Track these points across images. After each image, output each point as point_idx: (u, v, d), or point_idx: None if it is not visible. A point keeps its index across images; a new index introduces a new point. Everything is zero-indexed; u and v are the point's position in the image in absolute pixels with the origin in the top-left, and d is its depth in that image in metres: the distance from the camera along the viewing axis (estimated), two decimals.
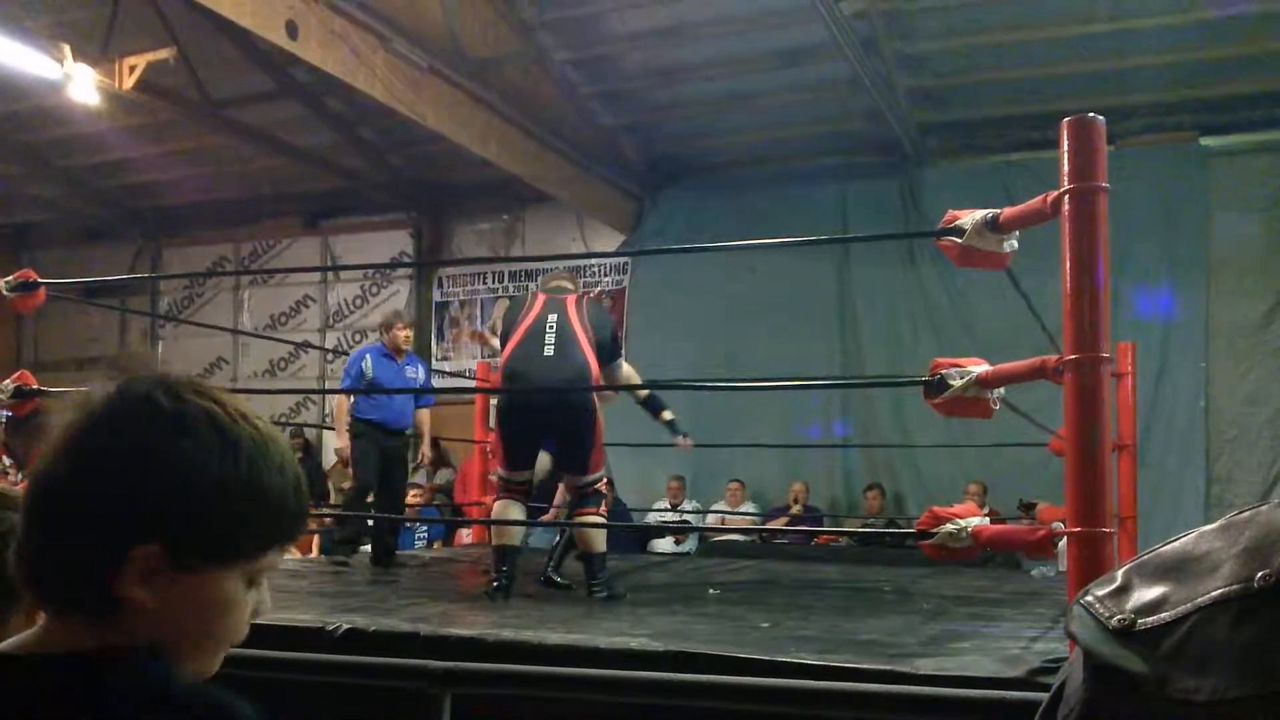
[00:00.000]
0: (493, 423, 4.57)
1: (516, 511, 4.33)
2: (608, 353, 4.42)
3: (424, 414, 6.09)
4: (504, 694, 2.28)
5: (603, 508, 4.47)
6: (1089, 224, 2.41)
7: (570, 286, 4.65)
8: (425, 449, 6.32)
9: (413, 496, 8.67)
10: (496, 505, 4.39)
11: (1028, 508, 7.49)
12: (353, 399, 5.78)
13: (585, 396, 4.26)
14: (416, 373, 6.02)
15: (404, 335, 5.88)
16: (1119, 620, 0.54)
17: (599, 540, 4.30)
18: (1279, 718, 0.47)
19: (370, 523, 5.75)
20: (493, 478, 4.94)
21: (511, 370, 4.35)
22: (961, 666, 2.34)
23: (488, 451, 6.63)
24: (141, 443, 0.82)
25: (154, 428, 0.83)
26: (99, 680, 0.80)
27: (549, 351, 4.27)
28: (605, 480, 4.54)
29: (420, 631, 2.75)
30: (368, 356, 5.79)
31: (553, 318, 4.36)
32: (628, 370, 4.66)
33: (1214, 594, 0.51)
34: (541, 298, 4.49)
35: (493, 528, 4.47)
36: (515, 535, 4.35)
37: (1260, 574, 0.50)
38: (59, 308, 10.46)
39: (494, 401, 5.08)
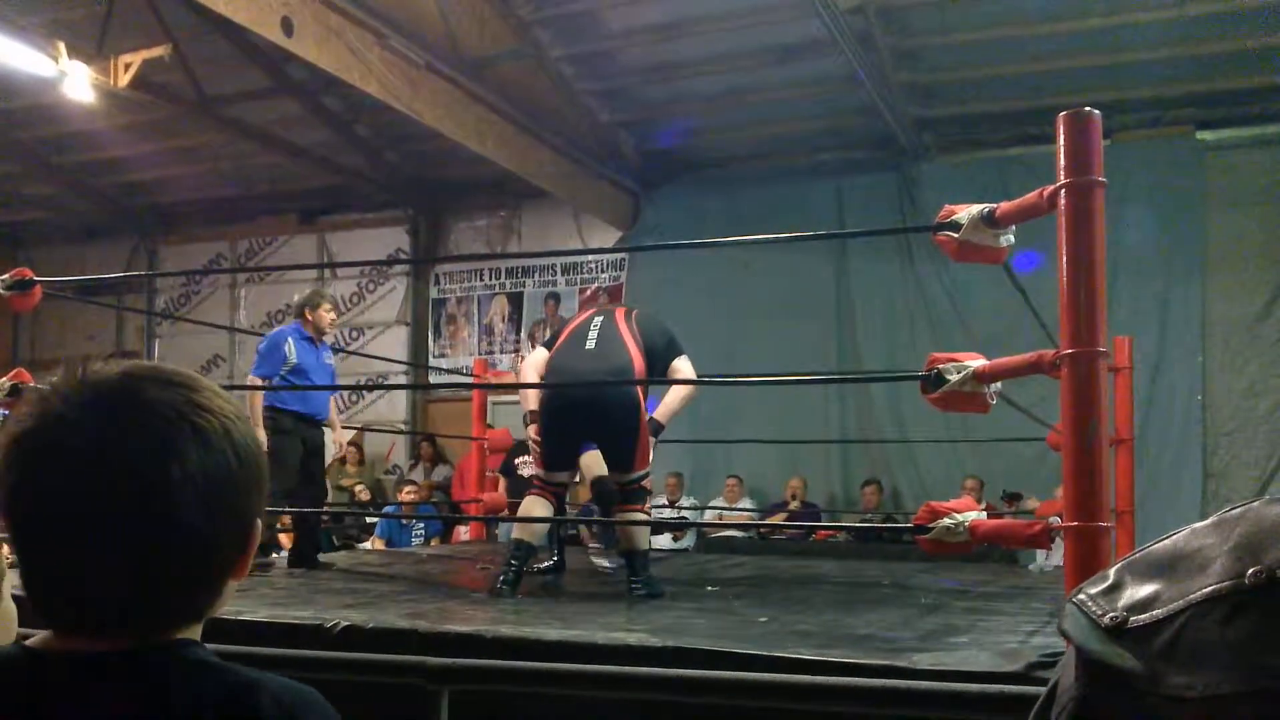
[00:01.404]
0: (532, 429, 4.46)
1: (542, 510, 4.29)
2: (661, 357, 4.36)
3: (332, 401, 5.61)
4: (501, 690, 2.28)
5: (647, 504, 4.43)
6: (1085, 218, 2.41)
7: (623, 305, 4.66)
8: (340, 437, 5.65)
9: (409, 493, 8.68)
10: (525, 501, 4.38)
11: (1012, 498, 7.51)
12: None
13: (628, 390, 4.20)
14: (331, 357, 5.52)
15: (331, 318, 5.40)
16: (1111, 618, 0.54)
17: (642, 538, 4.25)
18: (1270, 714, 0.47)
19: (286, 522, 5.27)
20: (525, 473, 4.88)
21: (554, 366, 4.35)
22: (959, 661, 2.35)
23: (486, 449, 6.65)
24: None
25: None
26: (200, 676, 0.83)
27: (590, 345, 4.29)
28: (650, 476, 4.46)
29: (418, 628, 2.75)
30: (290, 340, 5.19)
31: (598, 320, 4.41)
32: (686, 369, 4.44)
33: (1205, 591, 0.51)
34: (591, 310, 4.58)
35: (515, 522, 4.43)
36: (536, 533, 4.30)
37: (1251, 570, 0.50)
38: (55, 306, 10.45)
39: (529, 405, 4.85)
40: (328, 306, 5.38)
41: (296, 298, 5.57)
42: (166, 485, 0.80)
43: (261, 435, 4.83)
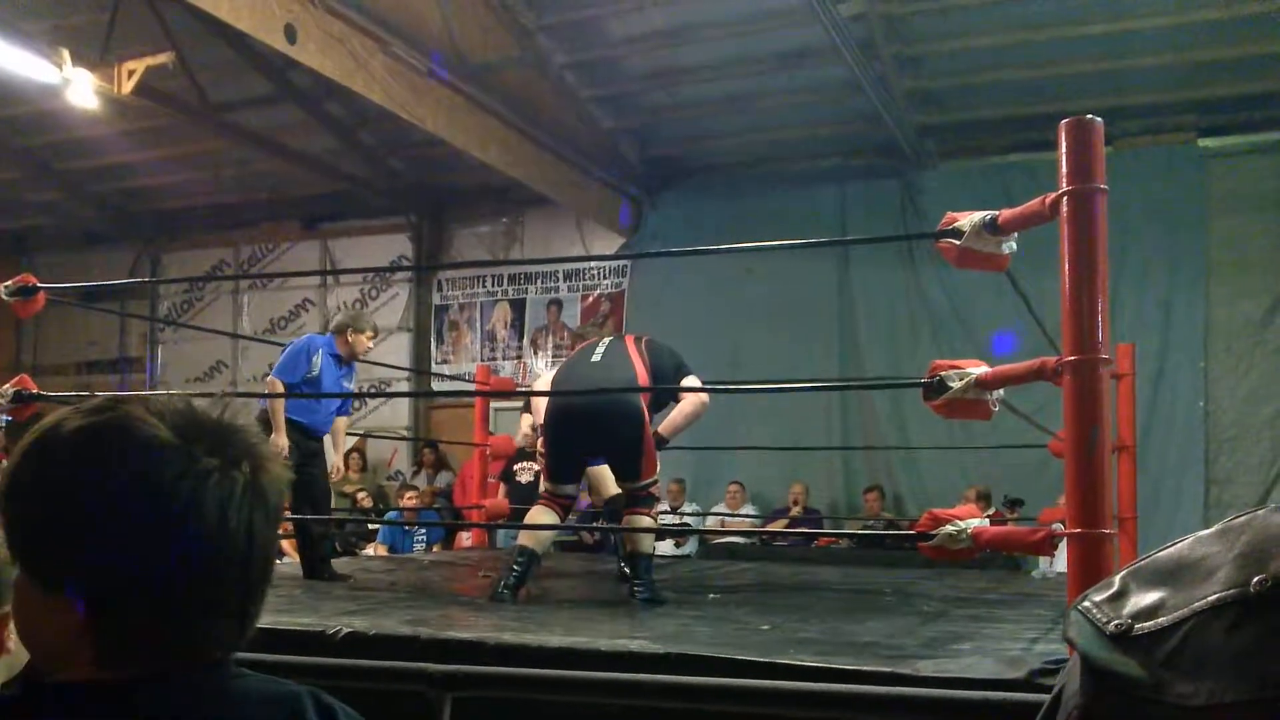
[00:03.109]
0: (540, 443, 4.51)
1: (547, 517, 4.33)
2: (669, 379, 4.40)
3: (341, 421, 5.44)
4: (504, 697, 2.28)
5: (654, 509, 4.45)
6: (1088, 225, 2.41)
7: (632, 334, 4.69)
8: (338, 461, 5.49)
9: (410, 499, 8.68)
10: (532, 510, 4.42)
11: (1012, 504, 7.50)
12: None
13: (631, 401, 4.22)
14: (352, 382, 5.39)
15: (369, 346, 5.27)
16: (1116, 625, 0.54)
17: (646, 541, 4.28)
18: None
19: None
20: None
21: (559, 378, 4.44)
22: (962, 668, 2.34)
23: (488, 455, 6.65)
24: None
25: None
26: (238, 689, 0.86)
27: (596, 358, 4.38)
28: (658, 483, 4.49)
29: (420, 635, 2.75)
30: (320, 352, 5.09)
31: (608, 340, 4.52)
32: (692, 385, 4.46)
33: (1210, 599, 0.51)
34: (602, 334, 4.64)
35: (521, 530, 4.45)
36: (540, 542, 4.32)
37: (1256, 579, 0.50)
38: (58, 312, 10.46)
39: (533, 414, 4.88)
40: (370, 334, 5.25)
41: (338, 315, 5.44)
42: (263, 491, 0.85)
43: (283, 441, 4.78)
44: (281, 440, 4.78)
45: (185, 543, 0.80)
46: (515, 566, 4.07)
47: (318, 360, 5.06)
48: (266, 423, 4.89)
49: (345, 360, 5.20)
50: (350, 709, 0.91)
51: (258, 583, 0.86)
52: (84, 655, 0.81)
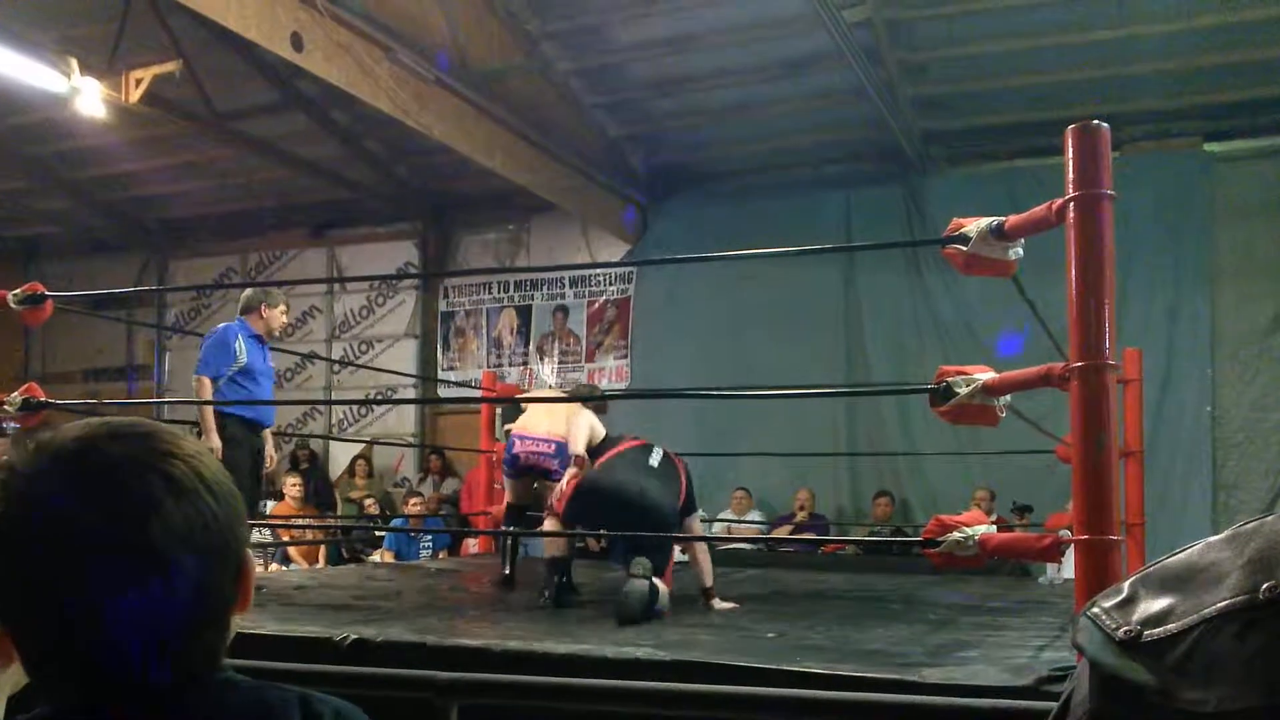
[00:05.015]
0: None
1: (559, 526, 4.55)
2: (691, 500, 4.65)
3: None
4: (510, 704, 2.27)
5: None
6: (1094, 231, 2.41)
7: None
8: (271, 450, 5.14)
9: (416, 506, 8.68)
10: (548, 523, 4.66)
11: (1021, 510, 7.48)
12: (219, 390, 4.75)
13: (669, 508, 4.36)
14: (271, 359, 5.18)
15: (284, 320, 5.12)
16: (1125, 632, 0.54)
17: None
18: None
19: None
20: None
21: (612, 462, 4.50)
22: (969, 676, 2.34)
23: (494, 462, 6.65)
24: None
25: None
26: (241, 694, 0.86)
27: (653, 463, 4.51)
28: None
29: (427, 642, 2.75)
30: (240, 339, 4.85)
31: (659, 449, 4.63)
32: (699, 528, 4.73)
33: (1219, 605, 0.51)
34: (647, 440, 4.73)
35: (545, 543, 4.68)
36: (562, 547, 4.54)
37: (1265, 585, 0.50)
38: (66, 320, 10.47)
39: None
40: (283, 307, 5.11)
41: (245, 294, 5.23)
42: (152, 543, 0.78)
43: (216, 442, 4.53)
44: (214, 441, 4.54)
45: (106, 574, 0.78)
46: (559, 577, 4.34)
47: (241, 346, 4.86)
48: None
49: (264, 339, 5.05)
50: (351, 706, 0.89)
51: (201, 599, 0.81)
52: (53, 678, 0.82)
